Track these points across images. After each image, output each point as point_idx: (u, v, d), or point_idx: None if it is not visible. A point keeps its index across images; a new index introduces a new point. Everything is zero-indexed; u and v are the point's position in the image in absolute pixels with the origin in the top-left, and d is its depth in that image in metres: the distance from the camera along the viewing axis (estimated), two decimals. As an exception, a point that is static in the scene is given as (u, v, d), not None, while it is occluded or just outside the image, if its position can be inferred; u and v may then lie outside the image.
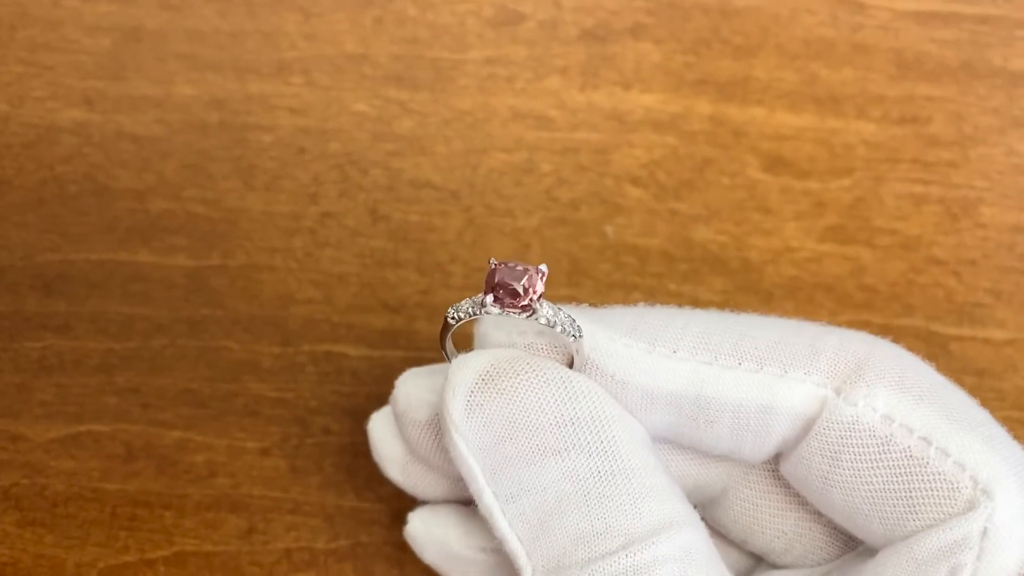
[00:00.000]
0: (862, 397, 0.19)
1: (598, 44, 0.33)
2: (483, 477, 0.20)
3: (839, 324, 0.30)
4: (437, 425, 0.22)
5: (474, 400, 0.20)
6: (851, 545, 0.22)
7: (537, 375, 0.20)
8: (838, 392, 0.19)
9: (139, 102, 0.32)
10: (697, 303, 0.31)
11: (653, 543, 0.19)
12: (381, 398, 0.29)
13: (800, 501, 0.22)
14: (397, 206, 0.31)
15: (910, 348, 0.31)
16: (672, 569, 0.18)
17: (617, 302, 0.31)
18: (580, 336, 0.20)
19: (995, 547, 0.18)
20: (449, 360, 0.21)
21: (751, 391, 0.20)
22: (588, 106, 0.33)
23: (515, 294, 0.19)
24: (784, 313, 0.31)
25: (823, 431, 0.19)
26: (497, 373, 0.20)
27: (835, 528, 0.22)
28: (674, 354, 0.20)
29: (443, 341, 0.22)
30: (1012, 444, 0.19)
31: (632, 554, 0.18)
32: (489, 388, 0.20)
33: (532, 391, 0.20)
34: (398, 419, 0.22)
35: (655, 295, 0.31)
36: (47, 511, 0.28)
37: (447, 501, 0.24)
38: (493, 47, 0.33)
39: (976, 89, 0.33)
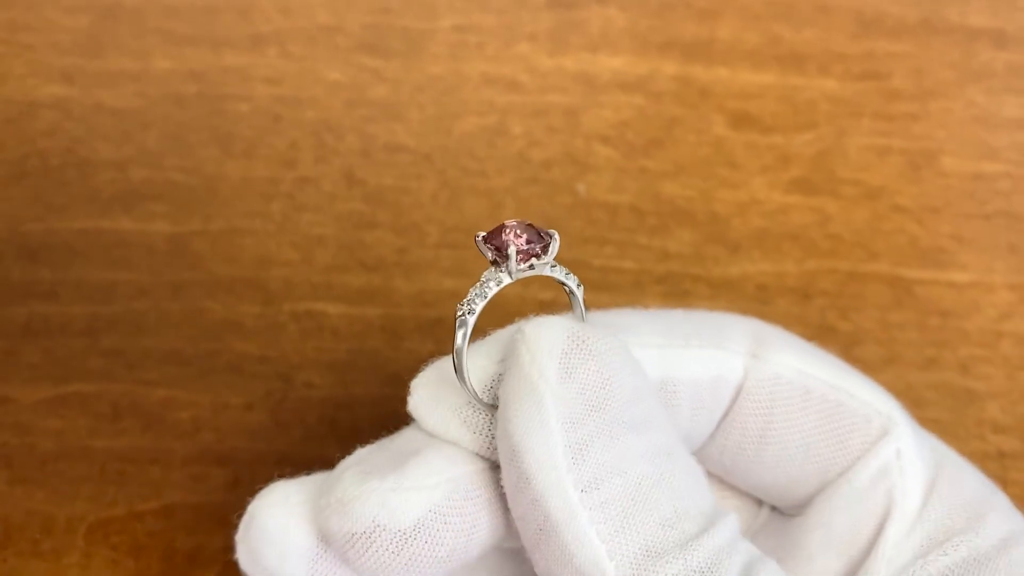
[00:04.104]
0: (773, 358, 0.22)
1: (565, 11, 0.35)
2: (565, 462, 0.18)
3: (807, 271, 0.33)
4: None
5: (569, 363, 0.19)
6: (754, 514, 0.25)
7: (617, 341, 0.19)
8: (755, 357, 0.22)
9: (118, 77, 0.34)
10: (667, 255, 0.33)
11: (724, 522, 0.19)
12: (361, 353, 0.31)
13: (710, 483, 0.24)
14: (372, 170, 0.33)
15: (876, 292, 0.33)
16: (748, 546, 0.19)
17: (590, 256, 0.33)
18: (580, 287, 0.21)
19: (908, 463, 0.22)
20: (467, 386, 0.20)
21: (704, 364, 0.22)
22: (557, 70, 0.35)
23: (537, 237, 0.20)
24: (752, 261, 0.33)
25: (754, 391, 0.22)
26: (585, 335, 0.19)
27: (742, 502, 0.25)
28: (639, 343, 0.21)
29: (460, 357, 0.19)
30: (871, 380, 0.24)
31: (715, 534, 0.19)
32: (583, 350, 0.19)
33: (618, 358, 0.19)
34: (356, 544, 0.19)
35: (626, 248, 0.33)
36: (37, 469, 0.30)
37: None
38: (463, 15, 0.35)
39: (935, 45, 0.36)
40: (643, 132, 0.35)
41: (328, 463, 0.30)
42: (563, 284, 0.21)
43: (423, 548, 0.19)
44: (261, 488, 0.30)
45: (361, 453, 0.21)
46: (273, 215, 0.33)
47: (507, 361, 0.20)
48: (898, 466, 0.22)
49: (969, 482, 0.22)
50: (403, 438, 0.21)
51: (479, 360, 0.20)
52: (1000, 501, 0.22)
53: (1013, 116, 0.36)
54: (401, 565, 0.19)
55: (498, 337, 0.21)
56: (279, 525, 0.20)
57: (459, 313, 0.19)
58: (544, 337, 0.19)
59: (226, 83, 0.34)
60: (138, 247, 0.33)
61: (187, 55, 0.35)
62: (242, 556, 0.21)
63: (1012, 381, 0.32)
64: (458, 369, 0.19)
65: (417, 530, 0.19)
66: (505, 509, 0.20)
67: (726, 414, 0.23)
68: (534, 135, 0.35)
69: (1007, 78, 0.36)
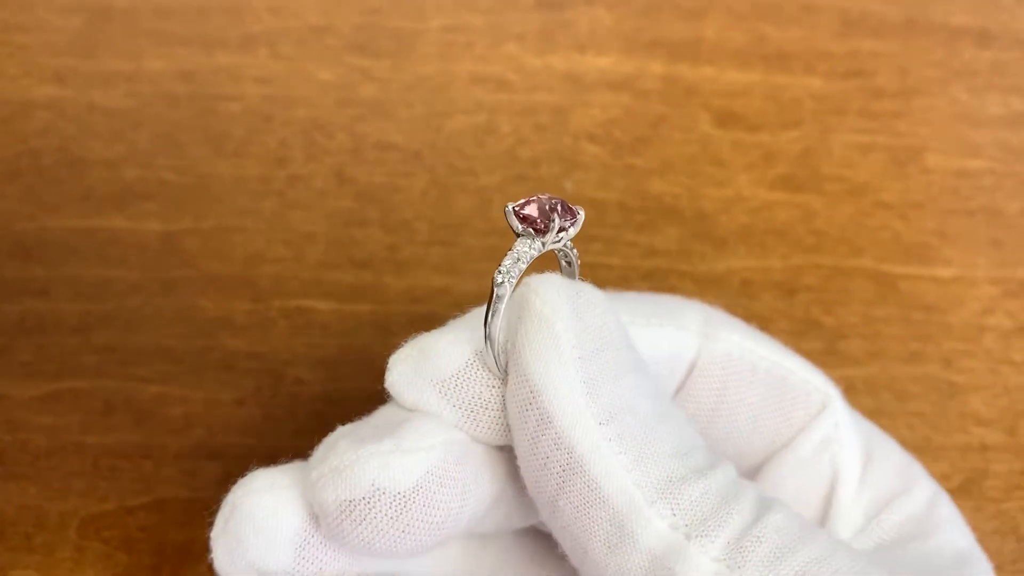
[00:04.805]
0: (724, 337, 0.23)
1: (553, 11, 0.36)
2: (583, 397, 0.19)
3: (792, 266, 0.33)
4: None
5: (576, 305, 0.20)
6: None
7: (606, 295, 0.21)
8: (707, 337, 0.24)
9: (110, 77, 0.34)
10: (654, 251, 0.33)
11: (728, 463, 0.20)
12: (351, 349, 0.32)
13: None
14: (362, 168, 0.34)
15: (861, 287, 0.33)
16: (755, 485, 0.20)
17: (578, 252, 0.33)
18: (578, 259, 0.22)
19: (844, 435, 0.24)
20: (493, 353, 0.20)
21: (663, 342, 0.23)
22: (545, 69, 0.35)
23: (569, 212, 0.21)
24: (738, 257, 0.33)
25: (707, 368, 0.23)
26: (582, 285, 0.20)
27: None
28: None
29: (493, 326, 0.20)
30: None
31: (726, 469, 0.20)
32: (583, 297, 0.20)
33: (610, 308, 0.20)
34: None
35: (614, 245, 0.33)
36: (30, 464, 0.30)
37: None
38: (452, 16, 0.35)
39: (918, 43, 0.36)
40: (630, 130, 0.35)
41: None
42: (567, 255, 0.21)
43: (420, 512, 0.19)
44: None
45: (344, 429, 0.21)
46: (264, 213, 0.33)
47: (518, 312, 0.20)
48: (837, 437, 0.23)
49: (895, 452, 0.24)
50: (383, 414, 0.21)
51: (479, 328, 0.21)
52: (919, 467, 0.24)
53: (996, 114, 0.36)
54: (398, 531, 0.19)
55: (480, 311, 0.21)
56: (266, 510, 0.20)
57: (499, 281, 0.20)
58: (552, 285, 0.20)
59: (217, 83, 0.35)
60: (130, 245, 0.33)
61: (179, 55, 0.35)
62: (220, 554, 0.21)
63: (994, 375, 0.32)
64: (488, 337, 0.20)
65: (416, 492, 0.19)
66: (487, 482, 0.21)
67: (679, 389, 0.24)
68: (522, 133, 0.35)
69: (990, 76, 0.36)
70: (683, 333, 0.23)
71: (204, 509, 0.30)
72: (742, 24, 0.36)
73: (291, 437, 0.31)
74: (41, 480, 0.30)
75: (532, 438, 0.19)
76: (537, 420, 0.19)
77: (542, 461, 0.19)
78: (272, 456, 0.31)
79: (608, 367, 0.19)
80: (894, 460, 0.24)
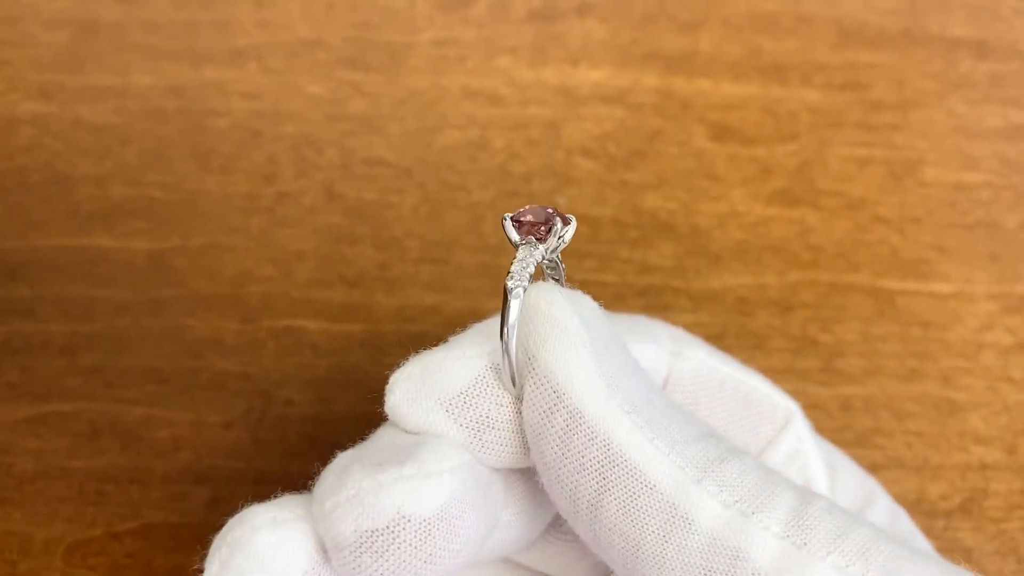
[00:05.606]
0: (691, 355, 0.24)
1: (545, 23, 0.35)
2: (607, 390, 0.19)
3: (788, 283, 0.32)
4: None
5: (578, 307, 0.19)
6: None
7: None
8: (675, 354, 0.24)
9: (97, 93, 0.34)
10: (648, 268, 0.33)
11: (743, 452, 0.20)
12: (341, 369, 0.31)
13: None
14: (352, 184, 0.33)
15: (857, 303, 0.33)
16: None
17: (571, 269, 0.33)
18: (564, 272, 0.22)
19: (808, 448, 0.24)
20: (511, 361, 0.19)
21: (642, 356, 0.22)
22: (538, 83, 0.35)
23: (564, 220, 0.21)
24: (734, 273, 0.33)
25: (679, 382, 0.23)
26: (572, 291, 0.20)
27: None
28: None
29: (513, 333, 0.19)
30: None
31: (748, 455, 0.19)
32: (579, 300, 0.20)
33: (602, 310, 0.20)
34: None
35: (607, 261, 0.33)
36: (15, 489, 0.29)
37: None
38: (443, 29, 0.35)
39: (915, 55, 0.36)
40: (624, 144, 0.34)
41: (309, 481, 0.30)
42: (556, 268, 0.21)
43: (443, 539, 0.18)
44: (241, 506, 0.30)
45: (348, 455, 0.20)
46: (252, 231, 0.33)
47: (524, 320, 0.19)
48: (803, 450, 0.24)
49: (853, 466, 0.25)
50: (385, 436, 0.20)
51: (487, 344, 0.20)
52: (875, 481, 0.25)
53: (994, 126, 0.35)
54: (420, 562, 0.18)
55: (482, 327, 0.21)
56: (271, 548, 0.18)
57: (512, 287, 0.19)
58: (552, 289, 0.19)
59: (206, 98, 0.34)
60: (118, 264, 0.32)
61: (167, 70, 0.34)
62: None
63: (993, 392, 0.32)
64: (506, 347, 0.19)
65: (440, 518, 0.18)
66: (492, 506, 0.20)
67: None
68: (515, 148, 0.34)
69: (988, 88, 0.36)
70: (657, 348, 0.23)
71: (192, 534, 0.29)
72: (738, 36, 0.36)
73: (281, 459, 0.30)
74: (26, 505, 0.30)
75: (562, 442, 0.18)
76: (566, 421, 0.18)
77: (577, 464, 0.18)
78: (260, 480, 0.30)
79: (618, 363, 0.19)
80: (854, 473, 0.24)
